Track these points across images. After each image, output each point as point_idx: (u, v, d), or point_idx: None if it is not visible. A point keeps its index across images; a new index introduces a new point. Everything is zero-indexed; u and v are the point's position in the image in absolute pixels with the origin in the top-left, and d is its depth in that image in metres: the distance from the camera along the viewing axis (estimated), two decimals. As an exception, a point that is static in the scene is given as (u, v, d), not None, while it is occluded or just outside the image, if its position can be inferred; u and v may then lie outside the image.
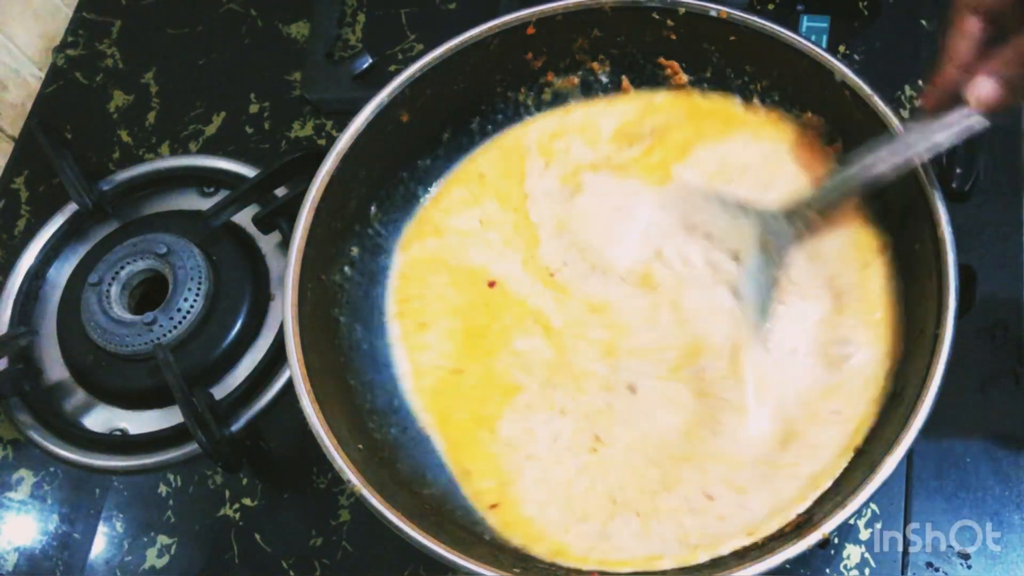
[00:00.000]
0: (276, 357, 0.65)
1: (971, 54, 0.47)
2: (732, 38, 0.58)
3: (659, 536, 0.51)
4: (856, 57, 0.69)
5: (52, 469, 0.66)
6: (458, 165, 0.64)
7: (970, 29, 0.47)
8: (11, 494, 0.66)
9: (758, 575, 0.44)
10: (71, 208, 0.73)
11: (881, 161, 0.51)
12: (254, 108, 0.77)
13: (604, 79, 0.63)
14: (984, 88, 0.46)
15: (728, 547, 0.49)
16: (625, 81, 0.63)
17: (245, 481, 0.63)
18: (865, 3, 0.71)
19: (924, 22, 0.69)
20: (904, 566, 0.54)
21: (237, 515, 0.62)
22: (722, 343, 0.55)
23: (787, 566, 0.44)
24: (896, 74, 0.67)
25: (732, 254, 0.57)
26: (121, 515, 0.64)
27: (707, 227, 0.58)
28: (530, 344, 0.58)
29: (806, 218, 0.55)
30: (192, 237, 0.68)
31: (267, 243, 0.70)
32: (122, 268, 0.67)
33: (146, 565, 0.62)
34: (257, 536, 0.61)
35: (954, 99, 0.48)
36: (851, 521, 0.54)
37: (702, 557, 0.49)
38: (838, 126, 0.58)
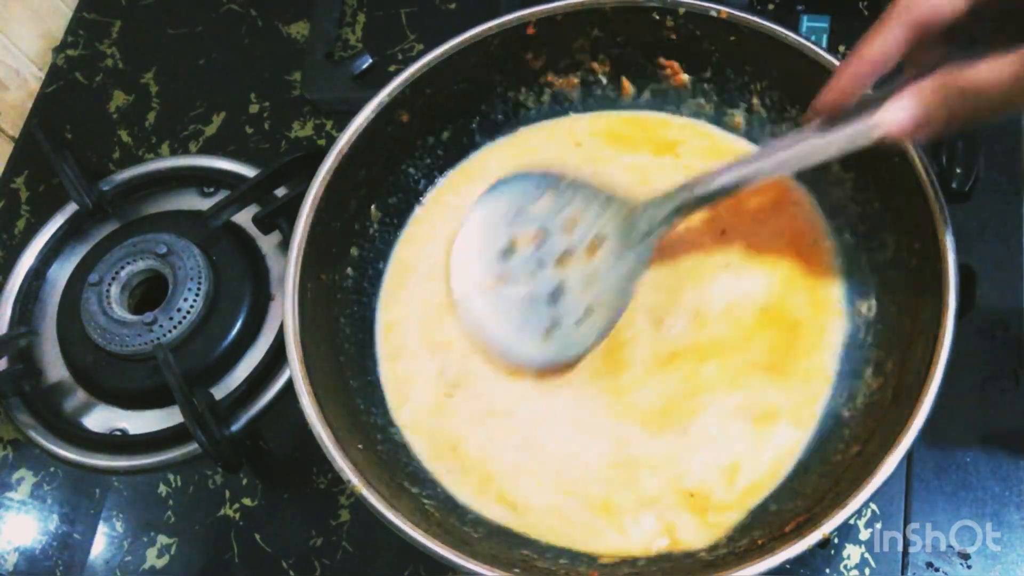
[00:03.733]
0: (276, 357, 0.65)
1: (883, 64, 0.43)
2: (732, 38, 0.58)
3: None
4: (856, 57, 0.69)
5: (52, 469, 0.66)
6: (459, 165, 0.64)
7: (896, 41, 0.42)
8: (11, 494, 0.66)
9: (758, 575, 0.44)
10: (71, 208, 0.73)
11: (741, 172, 0.50)
12: (254, 108, 0.77)
13: (604, 79, 0.64)
14: (901, 112, 0.42)
15: None
16: (625, 81, 0.63)
17: (245, 481, 0.63)
18: (865, 3, 0.71)
19: (924, 22, 0.69)
20: (904, 566, 0.54)
21: (237, 515, 0.62)
22: None
23: (787, 566, 0.44)
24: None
25: (589, 245, 0.56)
26: (121, 515, 0.64)
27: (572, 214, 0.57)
28: None
29: (666, 219, 0.53)
30: (192, 237, 0.68)
31: (267, 243, 0.70)
32: (122, 268, 0.67)
33: (146, 565, 0.62)
34: (257, 536, 0.61)
35: (849, 109, 0.45)
36: (851, 521, 0.54)
37: None
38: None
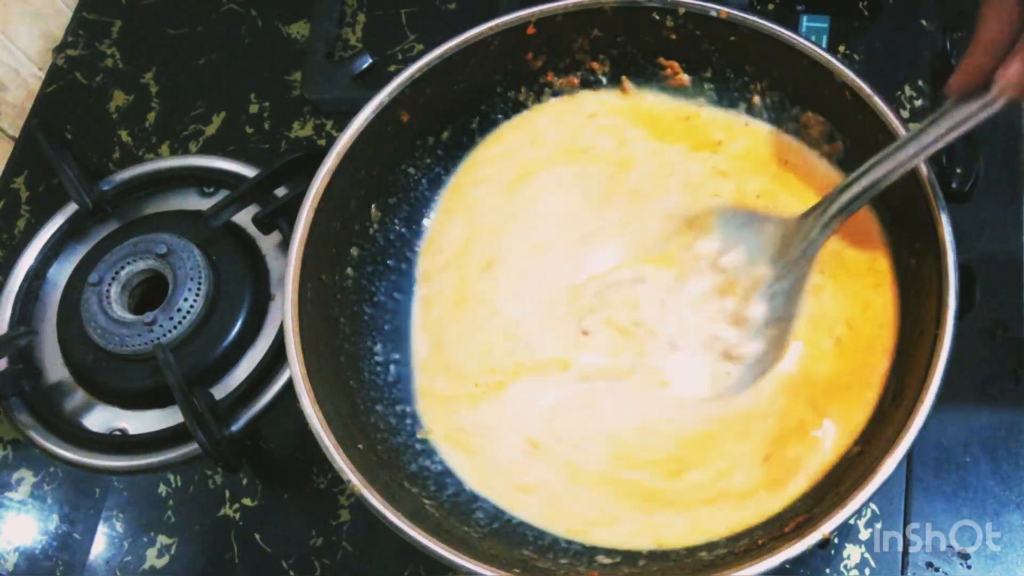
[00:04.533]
0: (276, 357, 0.65)
1: (1005, 40, 0.44)
2: (732, 38, 0.58)
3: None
4: (856, 57, 0.69)
5: (52, 469, 0.66)
6: (459, 165, 0.64)
7: (1006, 14, 0.43)
8: (11, 494, 0.66)
9: (758, 575, 0.44)
10: (71, 208, 0.73)
11: (895, 160, 0.50)
12: (254, 108, 0.77)
13: (604, 79, 0.64)
14: (1019, 74, 0.43)
15: None
16: (625, 81, 0.63)
17: (245, 481, 0.63)
18: (865, 3, 0.71)
19: (924, 22, 0.69)
20: (904, 566, 0.54)
21: (237, 515, 0.62)
22: None
23: (787, 566, 0.44)
24: (896, 74, 0.67)
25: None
26: (121, 515, 0.64)
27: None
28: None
29: (827, 224, 0.53)
30: (192, 237, 0.68)
31: (267, 243, 0.70)
32: (122, 268, 0.67)
33: (146, 565, 0.62)
34: (257, 536, 0.61)
35: (980, 86, 0.46)
36: (851, 521, 0.54)
37: None
38: (839, 126, 0.58)
